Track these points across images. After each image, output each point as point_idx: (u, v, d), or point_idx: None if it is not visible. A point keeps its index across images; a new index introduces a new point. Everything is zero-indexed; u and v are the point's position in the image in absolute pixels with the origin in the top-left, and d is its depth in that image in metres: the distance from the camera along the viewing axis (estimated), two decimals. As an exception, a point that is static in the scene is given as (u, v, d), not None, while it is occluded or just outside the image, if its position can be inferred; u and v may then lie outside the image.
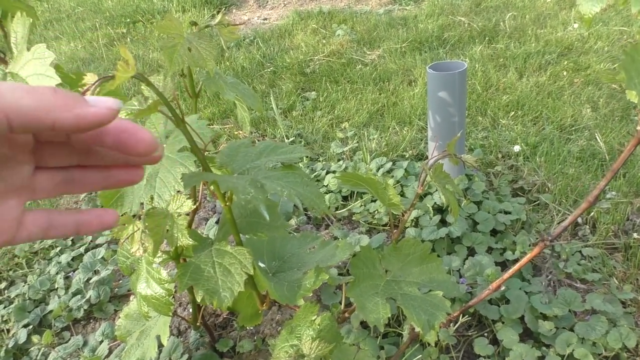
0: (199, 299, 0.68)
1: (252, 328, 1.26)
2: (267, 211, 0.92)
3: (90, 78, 0.42)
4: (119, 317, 1.07)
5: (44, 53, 0.82)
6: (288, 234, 1.03)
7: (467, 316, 1.25)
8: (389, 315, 0.85)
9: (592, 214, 1.55)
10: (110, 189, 0.35)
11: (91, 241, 1.72)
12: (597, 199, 0.83)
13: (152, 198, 0.77)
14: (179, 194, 0.82)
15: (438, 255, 1.33)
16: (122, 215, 0.81)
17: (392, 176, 1.68)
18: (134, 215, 0.80)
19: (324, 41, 3.34)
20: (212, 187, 0.77)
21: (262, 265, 0.98)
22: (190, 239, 0.73)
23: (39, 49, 0.82)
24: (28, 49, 0.84)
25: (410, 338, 0.99)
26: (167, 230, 0.76)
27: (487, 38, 3.11)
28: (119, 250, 0.90)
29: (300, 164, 1.91)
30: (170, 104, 0.68)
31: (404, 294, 0.92)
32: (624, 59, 0.60)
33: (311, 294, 1.00)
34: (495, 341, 1.24)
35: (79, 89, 1.01)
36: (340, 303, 1.33)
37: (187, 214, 0.77)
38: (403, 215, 1.58)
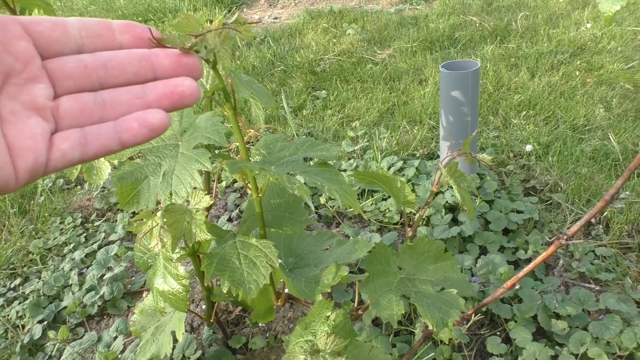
0: (225, 290, 0.69)
1: (264, 325, 1.26)
2: (293, 206, 0.93)
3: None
4: (133, 313, 1.08)
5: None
6: (305, 231, 1.03)
7: (479, 315, 1.25)
8: (403, 313, 0.85)
9: (605, 213, 1.54)
10: (163, 108, 0.32)
11: (104, 238, 1.74)
12: (613, 197, 0.82)
13: (170, 194, 0.78)
14: (196, 190, 0.83)
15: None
16: (138, 212, 0.82)
17: (404, 175, 1.68)
18: (151, 212, 0.81)
19: (335, 40, 3.34)
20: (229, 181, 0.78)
21: (279, 260, 0.98)
22: (208, 234, 0.74)
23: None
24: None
25: (424, 336, 0.99)
26: (186, 225, 0.77)
27: (498, 38, 3.10)
28: (136, 245, 0.91)
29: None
30: (227, 90, 0.69)
31: (418, 292, 0.92)
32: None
33: (329, 290, 1.00)
34: (507, 340, 1.24)
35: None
36: (353, 301, 1.33)
37: (205, 209, 0.78)
38: (416, 214, 1.58)
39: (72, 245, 1.71)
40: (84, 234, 1.77)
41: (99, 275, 1.48)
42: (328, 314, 0.87)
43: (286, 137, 0.79)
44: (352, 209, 1.67)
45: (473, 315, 1.24)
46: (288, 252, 0.98)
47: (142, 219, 0.77)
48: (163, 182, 0.80)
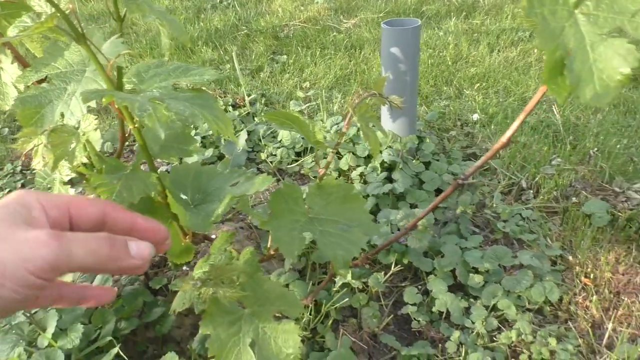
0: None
1: (187, 268, 1.26)
2: (181, 136, 0.92)
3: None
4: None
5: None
6: (216, 170, 1.03)
7: (399, 266, 1.27)
8: (303, 248, 0.86)
9: (536, 179, 1.57)
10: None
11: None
12: (510, 139, 0.84)
13: (62, 115, 0.77)
14: (87, 114, 0.82)
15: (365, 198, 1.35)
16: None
17: (346, 134, 1.68)
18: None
19: (302, 8, 3.30)
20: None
21: (184, 197, 0.98)
22: (86, 159, 0.73)
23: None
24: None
25: (329, 275, 1.00)
26: (70, 148, 0.76)
27: (464, 13, 3.10)
28: (37, 171, 0.90)
29: (256, 118, 1.91)
30: (68, 17, 0.67)
31: (323, 231, 0.93)
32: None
33: (220, 220, 1.01)
34: (427, 293, 1.26)
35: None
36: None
37: (95, 130, 0.77)
38: (356, 168, 1.60)
39: (7, 191, 1.68)
40: (22, 181, 1.74)
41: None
42: (227, 247, 0.88)
43: (160, 64, 0.78)
44: (291, 165, 1.67)
45: (393, 266, 1.26)
46: (196, 189, 0.97)
47: (29, 137, 0.76)
48: (63, 104, 0.80)
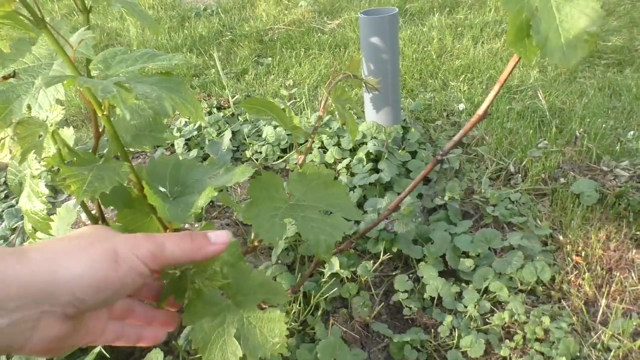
0: (68, 192, 0.67)
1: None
2: (153, 124, 0.91)
3: None
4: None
5: None
6: (195, 162, 1.02)
7: (388, 254, 1.26)
8: (285, 235, 0.84)
9: (524, 163, 1.56)
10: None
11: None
12: (486, 112, 0.83)
13: (29, 107, 0.76)
14: (54, 105, 0.81)
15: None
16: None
17: (330, 128, 1.67)
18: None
19: (286, 12, 3.31)
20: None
21: (163, 189, 0.96)
22: (54, 149, 0.72)
23: None
24: None
25: (314, 263, 0.99)
26: (38, 140, 0.75)
27: (447, 9, 3.11)
28: (9, 168, 0.88)
29: (241, 118, 1.90)
30: (27, 1, 0.65)
31: (305, 217, 0.91)
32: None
33: (200, 211, 0.99)
34: (417, 280, 1.25)
35: None
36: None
37: (58, 124, 0.76)
38: (341, 161, 1.58)
39: (-9, 201, 1.66)
40: (5, 191, 1.72)
41: (11, 226, 1.44)
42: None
43: (126, 50, 0.77)
44: (276, 162, 1.66)
45: (382, 254, 1.25)
46: (174, 182, 0.96)
47: (-5, 128, 0.75)
48: (31, 97, 0.78)
